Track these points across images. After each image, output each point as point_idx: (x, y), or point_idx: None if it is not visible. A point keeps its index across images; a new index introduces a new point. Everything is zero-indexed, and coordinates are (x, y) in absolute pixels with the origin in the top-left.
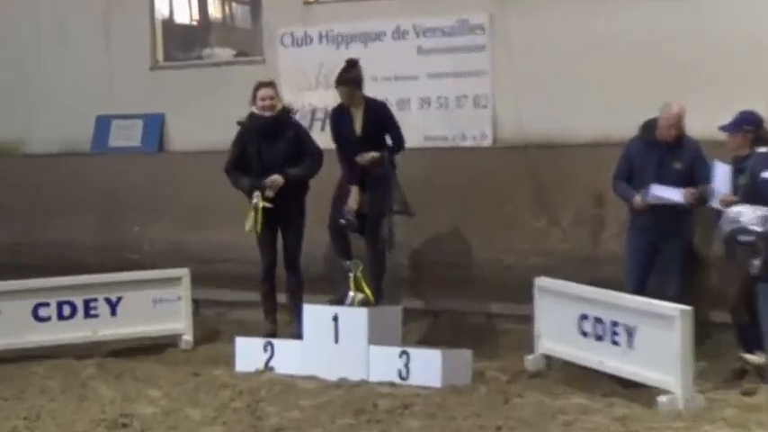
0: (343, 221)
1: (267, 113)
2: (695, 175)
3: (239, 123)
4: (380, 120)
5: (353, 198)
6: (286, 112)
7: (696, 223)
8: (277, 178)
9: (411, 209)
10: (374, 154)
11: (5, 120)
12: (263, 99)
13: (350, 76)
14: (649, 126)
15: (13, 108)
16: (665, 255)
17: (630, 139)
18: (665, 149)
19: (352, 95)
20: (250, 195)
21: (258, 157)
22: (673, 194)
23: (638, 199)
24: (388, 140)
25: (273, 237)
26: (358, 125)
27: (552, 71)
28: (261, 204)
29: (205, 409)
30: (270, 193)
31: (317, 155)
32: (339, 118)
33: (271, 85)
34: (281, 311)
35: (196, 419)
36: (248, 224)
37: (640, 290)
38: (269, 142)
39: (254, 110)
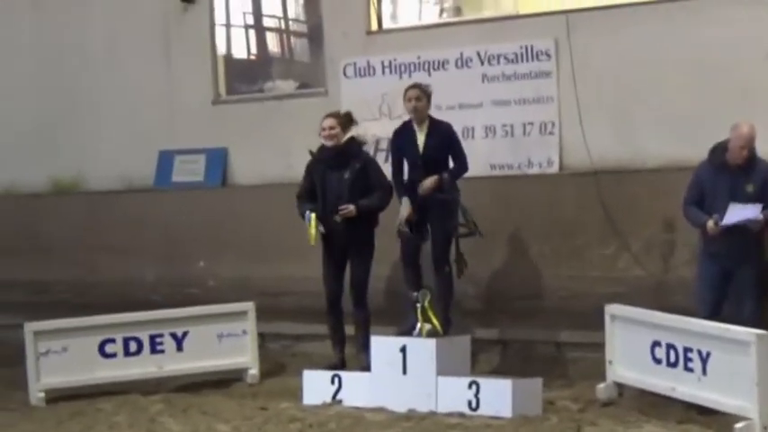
0: (401, 228)
1: (329, 143)
2: (767, 197)
3: (311, 153)
4: (444, 139)
5: (405, 207)
6: (355, 143)
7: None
8: (350, 207)
9: (478, 229)
10: (433, 179)
11: (62, 156)
12: (323, 129)
13: (422, 84)
14: (718, 149)
15: (70, 144)
16: (738, 280)
17: (700, 164)
18: (736, 172)
19: (420, 101)
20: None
21: (322, 187)
22: (749, 212)
23: (711, 223)
24: (451, 163)
25: (338, 268)
26: (421, 142)
27: (619, 96)
28: (312, 215)
29: None
30: (337, 219)
31: (387, 188)
32: (402, 134)
33: (335, 115)
34: (349, 343)
35: None
36: (311, 239)
37: (714, 317)
38: (333, 172)
39: (322, 141)
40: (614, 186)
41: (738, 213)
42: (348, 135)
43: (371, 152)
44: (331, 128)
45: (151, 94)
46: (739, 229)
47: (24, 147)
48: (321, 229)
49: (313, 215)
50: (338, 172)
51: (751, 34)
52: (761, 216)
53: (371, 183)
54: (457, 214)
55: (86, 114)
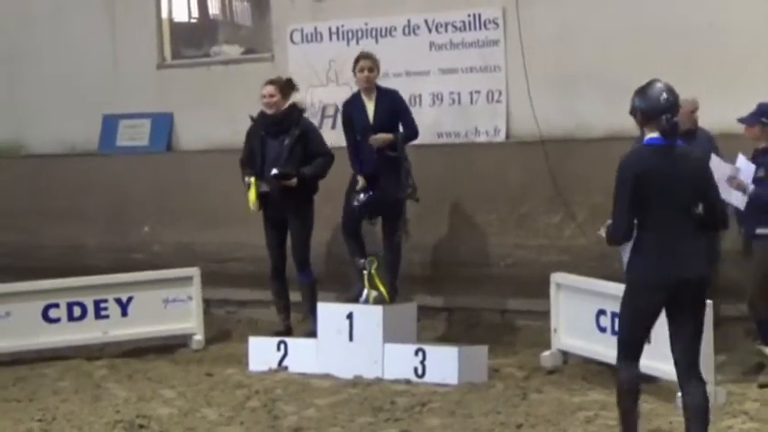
0: (356, 202)
1: (269, 111)
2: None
3: (251, 118)
4: (393, 107)
5: (361, 183)
6: (295, 110)
7: None
8: (293, 180)
9: (416, 195)
10: (386, 135)
11: (3, 119)
12: (263, 96)
13: (373, 54)
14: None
15: (10, 107)
16: None
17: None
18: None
19: (372, 72)
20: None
21: (261, 153)
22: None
23: None
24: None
25: (280, 235)
26: (371, 112)
27: (565, 65)
28: (252, 179)
29: (221, 408)
30: (273, 174)
31: (328, 155)
32: (352, 105)
33: (275, 82)
34: (294, 310)
35: (213, 420)
36: (251, 204)
37: None
38: (272, 139)
39: (262, 106)
40: (561, 155)
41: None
42: (288, 102)
43: (318, 119)
44: (271, 95)
45: (95, 58)
46: None
47: None
48: (264, 187)
49: (252, 179)
50: (277, 138)
51: (696, 2)
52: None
53: (312, 150)
54: (404, 179)
55: (29, 77)
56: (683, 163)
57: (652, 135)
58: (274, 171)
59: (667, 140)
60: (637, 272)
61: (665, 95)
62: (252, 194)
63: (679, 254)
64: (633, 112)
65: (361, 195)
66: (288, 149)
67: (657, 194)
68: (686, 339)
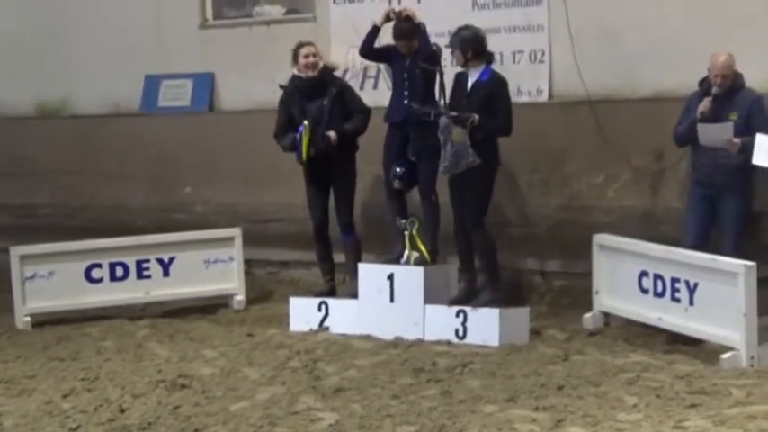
0: (396, 183)
1: (310, 73)
2: (752, 128)
3: (281, 87)
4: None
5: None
6: (328, 71)
7: (754, 179)
8: (332, 135)
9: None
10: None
11: (48, 80)
12: (306, 57)
13: (408, 27)
14: (707, 79)
15: (54, 68)
16: (722, 210)
17: (691, 94)
18: (721, 100)
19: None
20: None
21: (302, 118)
22: (720, 131)
23: (705, 102)
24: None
25: (324, 196)
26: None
27: (610, 23)
28: (306, 123)
29: (262, 368)
30: (331, 135)
31: (366, 111)
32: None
33: (311, 44)
34: (339, 271)
35: (254, 379)
36: (304, 154)
37: (698, 245)
38: (312, 102)
39: (296, 71)
40: (604, 116)
41: (712, 133)
42: (322, 63)
43: (359, 79)
44: (314, 55)
45: (138, 19)
46: (721, 156)
47: (10, 70)
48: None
49: (306, 123)
50: (316, 101)
51: None
52: (731, 135)
53: (350, 107)
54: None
55: (73, 38)
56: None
57: None
58: (330, 133)
59: None
60: None
61: None
62: (305, 143)
63: None
64: None
65: (398, 169)
66: (327, 110)
67: None
68: None
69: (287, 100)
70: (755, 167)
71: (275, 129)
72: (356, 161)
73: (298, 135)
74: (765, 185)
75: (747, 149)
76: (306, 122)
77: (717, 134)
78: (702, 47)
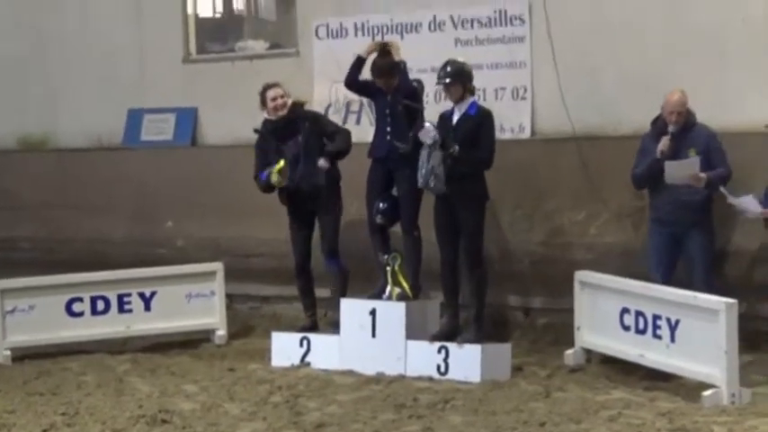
0: (379, 219)
1: (281, 113)
2: (711, 163)
3: (256, 131)
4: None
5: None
6: (298, 105)
7: (715, 213)
8: (322, 163)
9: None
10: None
11: (30, 113)
12: (273, 99)
13: (387, 64)
14: (659, 118)
15: (37, 101)
16: (689, 247)
17: (644, 135)
18: (677, 139)
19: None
20: (271, 188)
21: (279, 157)
22: (688, 166)
23: (662, 143)
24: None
25: (307, 230)
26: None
27: (592, 60)
28: (281, 161)
29: (243, 403)
30: (320, 180)
31: (345, 131)
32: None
33: (277, 84)
34: (321, 305)
35: (235, 415)
36: (276, 179)
37: (666, 283)
38: (288, 141)
39: (266, 115)
40: (586, 152)
41: (678, 170)
42: (290, 100)
43: (342, 114)
44: (281, 96)
45: (122, 52)
46: (685, 193)
47: None
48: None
49: (282, 162)
50: (291, 140)
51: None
52: (698, 170)
53: (328, 132)
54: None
55: (56, 70)
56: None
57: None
58: (321, 162)
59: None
60: None
61: None
62: (275, 170)
63: None
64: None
65: (381, 205)
66: (303, 147)
67: None
68: None
69: (262, 144)
70: (715, 201)
71: (254, 171)
72: (341, 189)
73: (272, 172)
74: None
75: (713, 184)
76: (282, 161)
77: (684, 170)
78: (684, 85)
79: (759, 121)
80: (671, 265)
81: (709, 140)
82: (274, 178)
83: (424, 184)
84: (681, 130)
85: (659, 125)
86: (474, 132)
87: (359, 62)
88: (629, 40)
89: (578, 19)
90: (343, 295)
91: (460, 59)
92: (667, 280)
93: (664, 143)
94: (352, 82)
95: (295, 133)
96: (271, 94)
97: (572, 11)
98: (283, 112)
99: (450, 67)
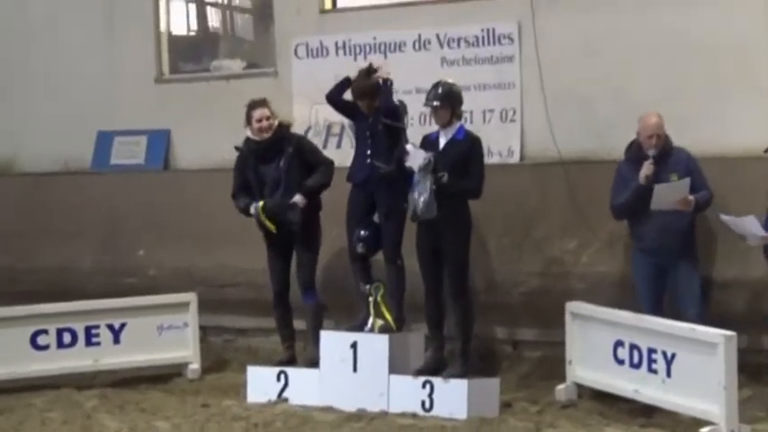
0: (360, 247)
1: (265, 135)
2: (693, 186)
3: (237, 149)
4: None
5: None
6: (284, 129)
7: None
8: (298, 199)
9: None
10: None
11: None
12: (259, 121)
13: (368, 86)
14: (633, 144)
15: (4, 123)
16: (677, 277)
17: (619, 163)
18: (657, 164)
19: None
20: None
21: (258, 181)
22: (678, 191)
23: (645, 169)
24: None
25: (285, 260)
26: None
27: (583, 82)
28: (260, 204)
29: None
30: (294, 217)
31: (328, 163)
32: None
33: (264, 103)
34: (299, 338)
35: None
36: (272, 229)
37: (656, 314)
38: (268, 164)
39: (249, 134)
40: (577, 177)
41: (668, 194)
42: (276, 122)
43: (323, 137)
44: (267, 117)
45: (91, 72)
46: (670, 220)
47: None
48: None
49: (260, 204)
50: (272, 163)
51: (721, 20)
52: (687, 193)
53: (310, 162)
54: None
55: (22, 91)
56: None
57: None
58: (297, 198)
59: None
60: None
61: None
62: (267, 222)
63: None
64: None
65: (362, 232)
66: (284, 171)
67: None
68: None
69: (241, 165)
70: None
71: (232, 189)
72: (320, 219)
73: (255, 218)
74: None
75: (701, 206)
76: (258, 205)
77: (674, 194)
78: (673, 111)
79: (758, 146)
80: (660, 296)
81: (690, 163)
82: (272, 225)
83: (423, 214)
84: (659, 154)
85: (634, 151)
86: (463, 159)
87: (346, 81)
88: (619, 61)
89: (566, 40)
90: (318, 332)
91: (450, 81)
92: (658, 311)
93: (647, 168)
94: (337, 99)
95: (278, 155)
96: (257, 114)
97: (563, 28)
98: (268, 134)
99: (440, 89)
